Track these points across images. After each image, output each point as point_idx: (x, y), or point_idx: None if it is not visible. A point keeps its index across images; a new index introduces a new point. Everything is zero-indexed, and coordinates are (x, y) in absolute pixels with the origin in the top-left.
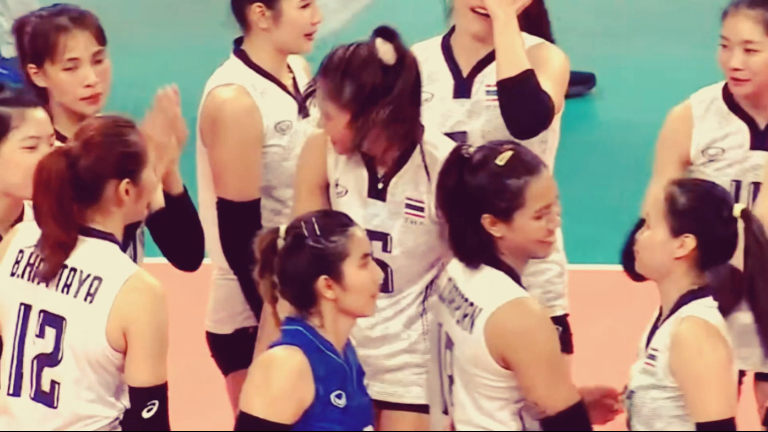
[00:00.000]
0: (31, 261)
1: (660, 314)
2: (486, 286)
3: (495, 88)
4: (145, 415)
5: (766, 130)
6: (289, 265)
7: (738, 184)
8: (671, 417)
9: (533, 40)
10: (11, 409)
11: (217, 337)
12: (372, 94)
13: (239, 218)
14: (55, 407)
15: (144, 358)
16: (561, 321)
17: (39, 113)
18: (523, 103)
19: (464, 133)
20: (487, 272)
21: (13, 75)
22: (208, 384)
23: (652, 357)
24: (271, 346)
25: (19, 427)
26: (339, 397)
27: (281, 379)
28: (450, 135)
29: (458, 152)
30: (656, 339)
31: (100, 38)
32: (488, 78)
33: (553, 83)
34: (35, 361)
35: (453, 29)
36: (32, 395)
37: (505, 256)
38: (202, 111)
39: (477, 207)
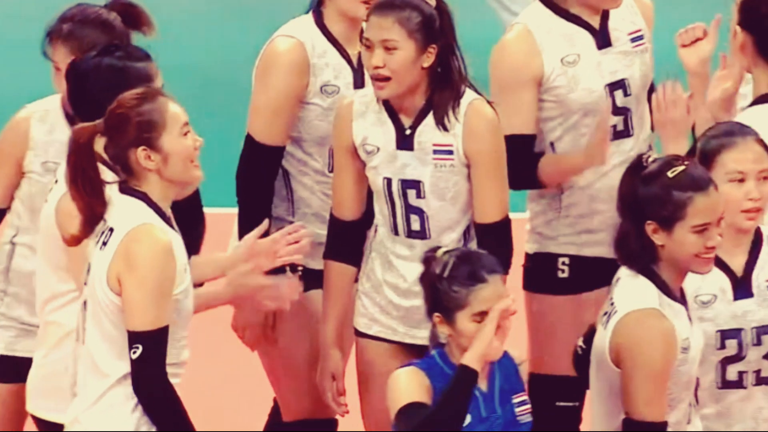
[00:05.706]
0: None
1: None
2: (631, 291)
3: (637, 34)
4: (132, 356)
5: None
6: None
7: None
8: None
9: None
10: (78, 354)
11: None
12: (432, 26)
13: (259, 158)
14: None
15: (133, 303)
16: None
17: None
18: None
19: (624, 80)
20: (641, 281)
21: None
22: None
23: None
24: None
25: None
26: None
27: (403, 392)
28: (612, 85)
29: (639, 160)
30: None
31: None
32: (622, 24)
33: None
34: (84, 310)
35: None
36: (84, 341)
37: (662, 268)
38: (261, 53)
39: (643, 213)
